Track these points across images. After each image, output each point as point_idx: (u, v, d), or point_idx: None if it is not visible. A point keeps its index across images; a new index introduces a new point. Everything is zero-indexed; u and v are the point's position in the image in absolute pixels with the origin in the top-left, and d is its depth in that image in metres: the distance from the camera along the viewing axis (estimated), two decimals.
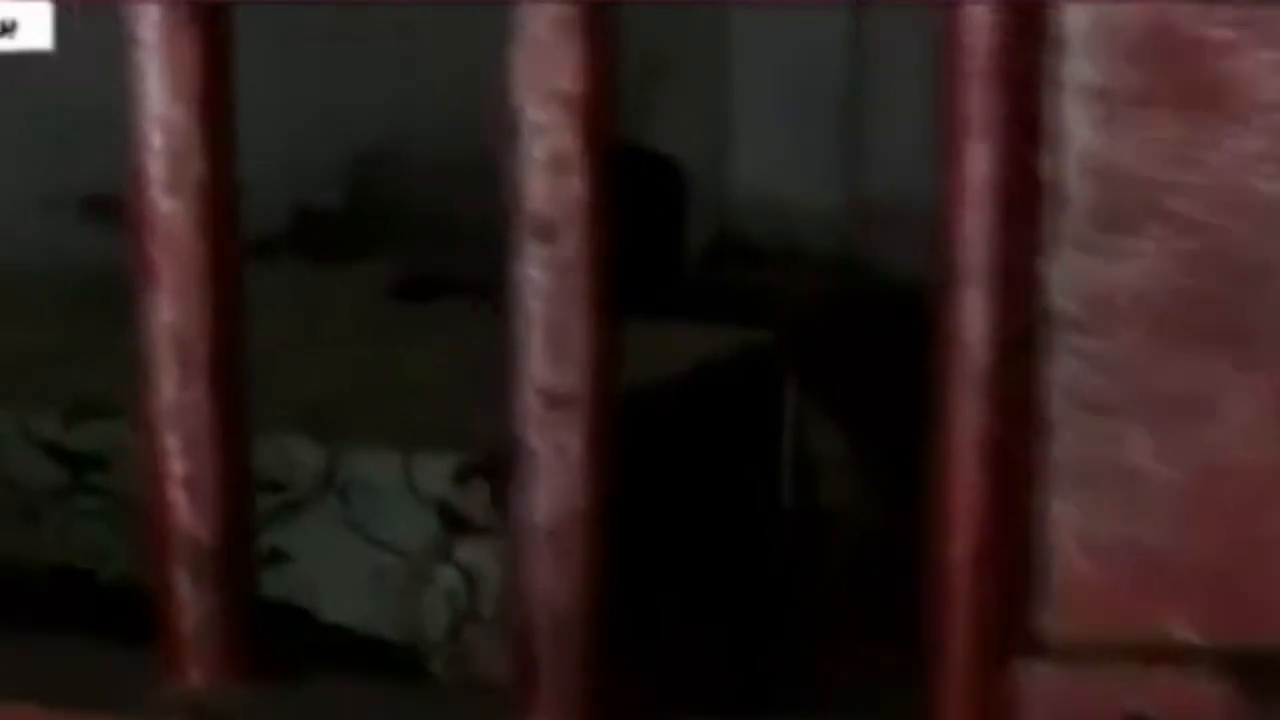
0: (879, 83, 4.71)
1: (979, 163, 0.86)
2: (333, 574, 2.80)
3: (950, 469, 0.89)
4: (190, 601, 0.99)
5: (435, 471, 2.76)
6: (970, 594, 0.89)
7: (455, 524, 2.75)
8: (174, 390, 0.98)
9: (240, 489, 0.99)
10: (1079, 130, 0.86)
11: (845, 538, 3.36)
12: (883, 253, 4.45)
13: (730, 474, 3.23)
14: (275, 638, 2.47)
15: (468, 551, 2.74)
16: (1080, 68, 0.85)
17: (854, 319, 3.98)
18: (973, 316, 0.87)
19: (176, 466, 0.98)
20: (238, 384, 0.98)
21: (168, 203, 0.99)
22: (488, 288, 3.30)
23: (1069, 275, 0.87)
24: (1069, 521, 0.89)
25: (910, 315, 3.53)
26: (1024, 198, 0.86)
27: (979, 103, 0.85)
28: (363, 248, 3.82)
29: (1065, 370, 0.88)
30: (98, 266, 3.52)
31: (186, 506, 0.98)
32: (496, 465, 2.66)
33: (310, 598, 2.77)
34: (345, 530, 2.79)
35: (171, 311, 0.98)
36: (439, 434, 2.83)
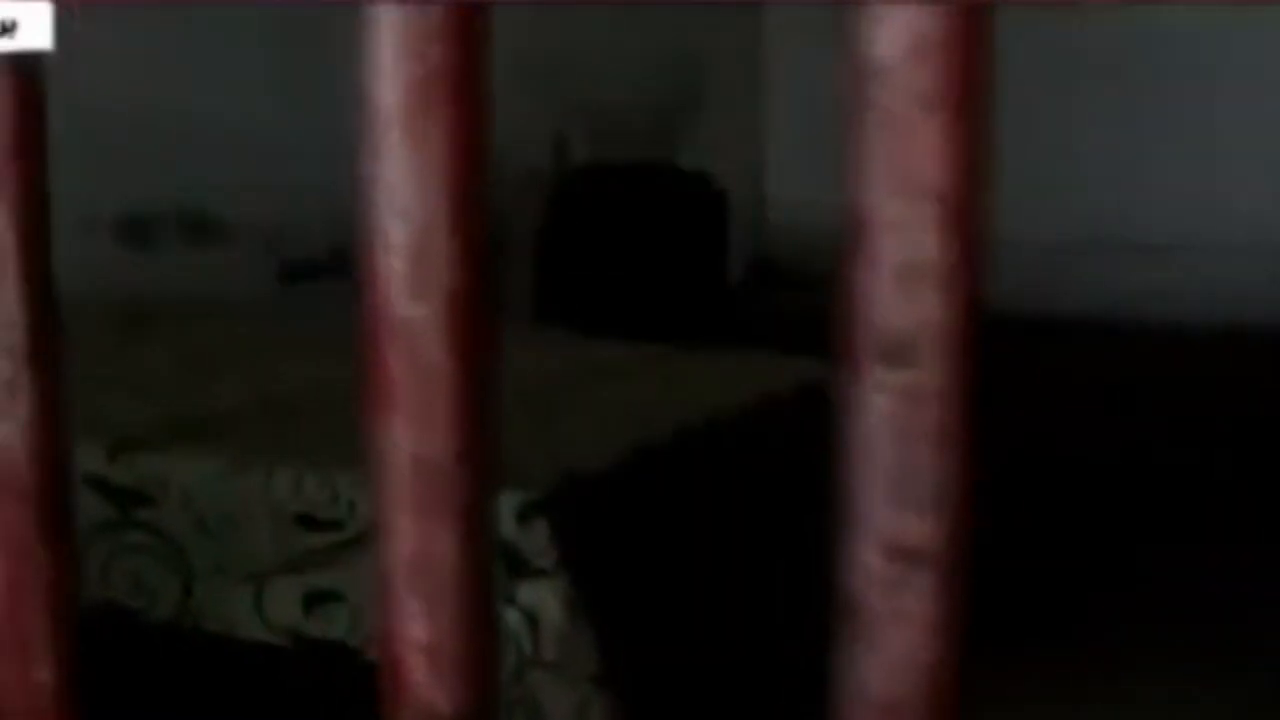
0: None
1: None
2: None
3: None
4: None
5: (500, 509, 2.63)
6: None
7: (517, 565, 2.61)
8: (414, 540, 0.81)
9: (488, 655, 0.82)
10: None
11: None
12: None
13: (792, 503, 3.11)
14: (325, 675, 2.33)
15: (529, 593, 2.60)
16: None
17: None
18: None
19: (417, 630, 0.81)
20: (489, 532, 0.82)
21: (411, 310, 0.82)
22: (541, 310, 3.12)
23: None
24: None
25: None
26: None
27: None
28: None
29: None
30: (137, 292, 3.43)
31: (426, 674, 0.81)
32: (557, 504, 2.58)
33: (364, 638, 2.63)
34: None
35: (414, 438, 0.82)
36: (509, 472, 2.70)
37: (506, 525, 2.59)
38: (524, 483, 2.61)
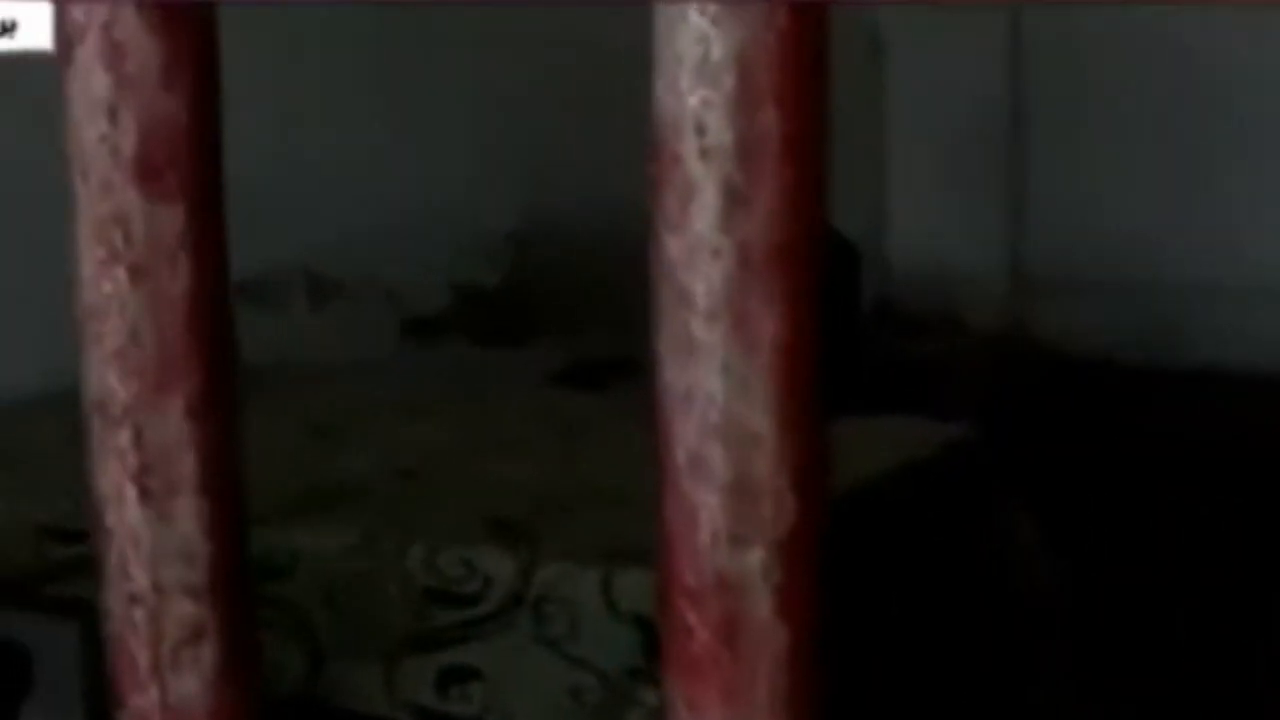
0: (1041, 145, 4.41)
1: None
2: (527, 694, 2.51)
3: None
4: None
5: (636, 587, 2.45)
6: None
7: (658, 643, 2.39)
8: None
9: None
10: None
11: (1053, 626, 3.05)
12: (1049, 322, 4.14)
13: (938, 568, 2.93)
14: None
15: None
16: None
17: (1032, 394, 3.66)
18: None
19: None
20: None
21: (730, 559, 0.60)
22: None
23: None
24: None
25: (1091, 388, 3.17)
26: None
27: None
28: (524, 331, 3.53)
29: None
30: (261, 354, 3.26)
31: None
32: None
33: (503, 718, 2.44)
34: (540, 648, 2.49)
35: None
36: (639, 545, 2.52)
37: (643, 601, 2.42)
38: None
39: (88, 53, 0.74)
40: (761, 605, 0.68)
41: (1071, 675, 3.05)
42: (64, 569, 2.52)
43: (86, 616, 2.30)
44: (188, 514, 0.77)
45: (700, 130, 0.68)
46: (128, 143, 0.75)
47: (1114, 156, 4.41)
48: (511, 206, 3.78)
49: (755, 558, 0.68)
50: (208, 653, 0.78)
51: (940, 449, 2.97)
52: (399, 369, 3.30)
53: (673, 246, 0.68)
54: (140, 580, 0.76)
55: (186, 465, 0.76)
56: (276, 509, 2.59)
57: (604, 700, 2.46)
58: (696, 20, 0.67)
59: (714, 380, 0.68)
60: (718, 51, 0.67)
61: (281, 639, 2.56)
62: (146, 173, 0.75)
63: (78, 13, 0.74)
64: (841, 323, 3.60)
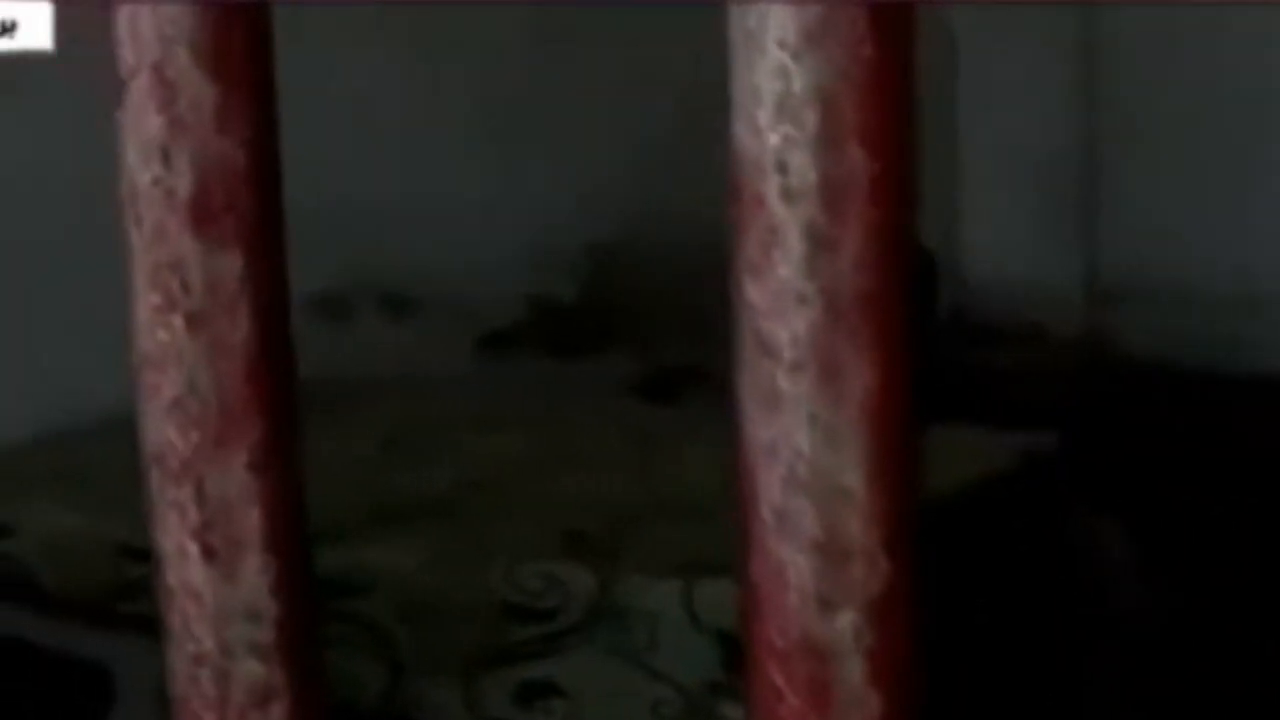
0: (1116, 156, 4.35)
1: None
2: (606, 708, 2.47)
3: None
4: None
5: (716, 599, 2.40)
6: None
7: (740, 656, 2.35)
8: None
9: None
10: None
11: (1135, 638, 2.99)
12: (1127, 331, 4.08)
13: (1022, 581, 2.87)
14: None
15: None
16: None
17: (1110, 403, 3.60)
18: None
19: None
20: None
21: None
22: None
23: None
24: None
25: (1169, 396, 3.11)
26: None
27: None
28: (599, 344, 3.50)
29: None
30: (336, 369, 3.24)
31: None
32: None
33: None
34: (619, 662, 2.45)
35: None
36: (720, 557, 2.47)
37: (724, 615, 2.38)
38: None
39: (139, 93, 0.70)
40: (853, 671, 0.63)
41: (1155, 691, 3.00)
42: (144, 587, 2.49)
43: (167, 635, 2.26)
44: (253, 571, 0.72)
45: (782, 170, 0.63)
46: (183, 186, 0.70)
47: (1190, 164, 4.35)
48: (589, 219, 3.75)
49: (846, 621, 0.64)
50: (277, 714, 0.74)
51: (1022, 459, 2.92)
52: (474, 383, 3.27)
53: (755, 292, 0.63)
54: (205, 641, 0.71)
55: (250, 521, 0.72)
56: (354, 525, 2.57)
57: (684, 714, 2.42)
58: (776, 53, 0.62)
59: (800, 433, 0.64)
60: (799, 86, 0.62)
61: (360, 655, 2.54)
62: (203, 216, 0.70)
63: (129, 53, 0.70)
64: (919, 332, 3.54)
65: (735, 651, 2.35)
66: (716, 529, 2.65)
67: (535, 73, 3.64)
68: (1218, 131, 4.36)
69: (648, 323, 3.50)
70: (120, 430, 2.68)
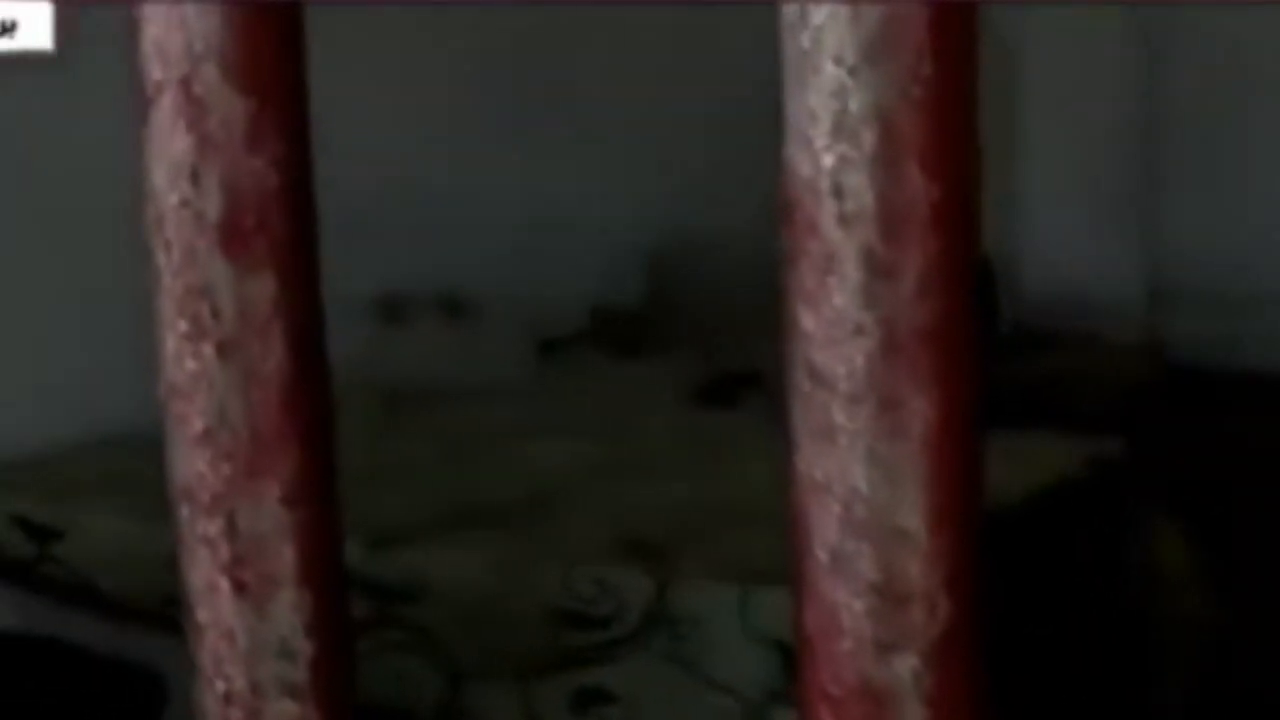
0: (1174, 163, 4.29)
1: None
2: (662, 715, 2.44)
3: None
4: None
5: (774, 607, 2.37)
6: None
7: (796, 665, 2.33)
8: None
9: None
10: None
11: (1197, 649, 2.94)
12: (1186, 336, 4.02)
13: (1083, 587, 2.83)
14: None
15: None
16: None
17: (1170, 408, 3.55)
18: None
19: None
20: None
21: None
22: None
23: None
24: None
25: (1234, 402, 3.05)
26: None
27: None
28: (659, 350, 3.46)
29: None
30: (394, 372, 3.21)
31: None
32: None
33: None
34: (675, 669, 2.43)
35: None
36: (777, 564, 2.43)
37: (781, 623, 2.35)
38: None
39: (166, 111, 0.66)
40: (912, 717, 0.59)
41: (1223, 695, 2.95)
42: None
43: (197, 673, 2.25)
44: (286, 609, 0.68)
45: (838, 193, 0.59)
46: (212, 207, 0.66)
47: (1248, 168, 4.29)
48: (650, 226, 3.72)
49: (905, 666, 0.59)
50: None
51: (1090, 466, 2.88)
52: (534, 388, 3.25)
53: (809, 321, 0.59)
54: (236, 680, 0.68)
55: (284, 556, 0.68)
56: (413, 531, 2.55)
57: None
58: (832, 70, 0.58)
59: (857, 471, 0.60)
60: (856, 104, 0.58)
61: (417, 661, 2.52)
62: (233, 239, 0.66)
63: (155, 68, 0.66)
64: (980, 340, 3.49)
65: (791, 659, 2.31)
66: (775, 537, 2.64)
67: (598, 81, 3.61)
68: (1277, 136, 4.30)
69: (708, 329, 3.47)
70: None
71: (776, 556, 2.30)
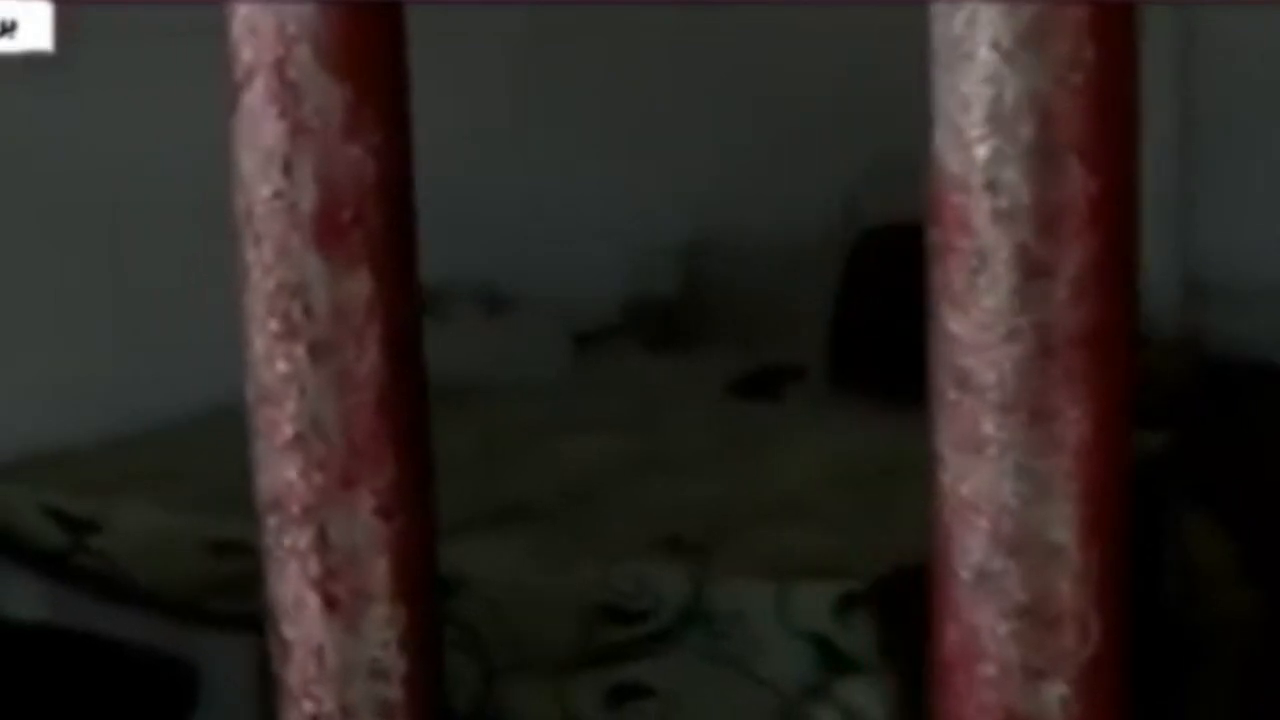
0: (1212, 156, 4.24)
1: None
2: (699, 711, 2.40)
3: None
4: None
5: (812, 603, 2.33)
6: None
7: (835, 660, 2.30)
8: None
9: None
10: None
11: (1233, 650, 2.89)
12: (1224, 330, 3.97)
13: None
14: None
15: (849, 691, 2.30)
16: None
17: (1209, 401, 3.50)
18: None
19: None
20: None
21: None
22: (837, 378, 2.82)
23: None
24: None
25: (1273, 402, 2.99)
26: None
27: None
28: (697, 342, 3.42)
29: None
30: (433, 367, 3.16)
31: None
32: (881, 596, 2.26)
33: None
34: (712, 665, 2.39)
35: None
36: (815, 559, 2.41)
37: (820, 618, 2.31)
38: (845, 572, 2.28)
39: (257, 97, 0.61)
40: None
41: (1262, 692, 2.90)
42: (233, 583, 2.43)
43: (256, 632, 2.20)
44: (379, 625, 0.63)
45: (992, 189, 0.54)
46: (306, 200, 0.61)
47: None
48: (688, 217, 3.67)
49: (1054, 694, 0.55)
50: None
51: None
52: (571, 382, 3.20)
53: (957, 324, 0.54)
54: (326, 701, 0.63)
55: (378, 570, 0.63)
56: (448, 525, 2.49)
57: (777, 718, 2.36)
58: (987, 56, 0.53)
59: (1006, 484, 0.55)
60: (1012, 94, 0.53)
61: (453, 655, 2.47)
62: (328, 234, 0.61)
63: (246, 52, 0.61)
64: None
65: (829, 655, 2.27)
66: (813, 531, 2.59)
67: (634, 73, 3.57)
68: None
69: (745, 321, 3.42)
70: (210, 427, 2.63)
71: (815, 551, 2.25)
